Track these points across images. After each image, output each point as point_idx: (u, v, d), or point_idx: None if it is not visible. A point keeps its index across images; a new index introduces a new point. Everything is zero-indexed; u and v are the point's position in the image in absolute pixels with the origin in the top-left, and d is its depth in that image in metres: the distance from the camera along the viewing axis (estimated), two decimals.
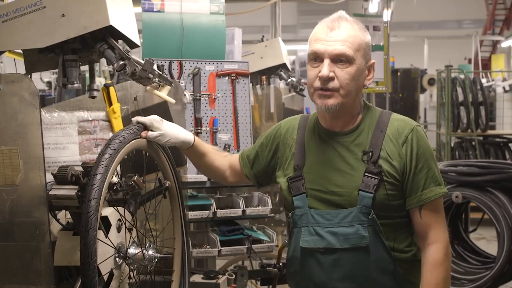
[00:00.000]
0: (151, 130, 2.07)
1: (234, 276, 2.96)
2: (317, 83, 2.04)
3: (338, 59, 2.02)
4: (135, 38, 2.03)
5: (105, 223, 1.85)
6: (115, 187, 1.88)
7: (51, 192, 1.79)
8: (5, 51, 2.11)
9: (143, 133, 2.03)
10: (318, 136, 2.18)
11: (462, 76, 8.87)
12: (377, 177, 2.02)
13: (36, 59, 2.06)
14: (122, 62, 1.91)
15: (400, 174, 2.05)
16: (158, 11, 3.52)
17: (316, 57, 2.05)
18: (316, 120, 2.21)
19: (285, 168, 2.23)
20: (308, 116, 2.27)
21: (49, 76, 11.04)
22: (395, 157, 2.05)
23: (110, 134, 2.22)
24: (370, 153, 2.05)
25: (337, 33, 2.03)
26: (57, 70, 1.96)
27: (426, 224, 2.08)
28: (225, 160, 2.41)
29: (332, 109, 2.05)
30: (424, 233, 2.09)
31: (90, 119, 2.21)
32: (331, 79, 2.02)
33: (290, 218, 2.17)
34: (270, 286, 3.08)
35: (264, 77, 5.04)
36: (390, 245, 2.05)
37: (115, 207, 1.91)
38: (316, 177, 2.12)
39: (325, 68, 2.01)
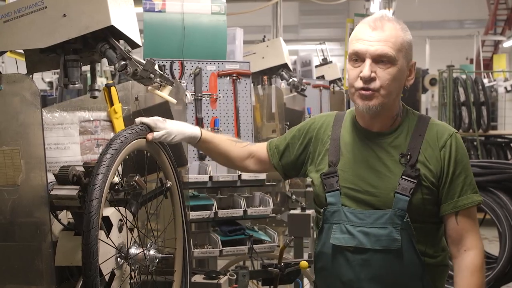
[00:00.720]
0: (155, 131, 2.07)
1: (235, 277, 2.96)
2: (358, 83, 2.02)
3: (380, 59, 1.99)
4: (137, 38, 2.03)
5: (107, 223, 1.84)
6: (116, 187, 1.88)
7: (52, 192, 1.79)
8: (6, 51, 2.11)
9: (149, 135, 2.03)
10: (354, 134, 2.16)
11: (463, 76, 8.88)
12: (414, 181, 2.01)
13: (37, 59, 2.06)
14: (123, 62, 1.91)
15: (436, 179, 2.04)
16: (160, 11, 3.52)
17: (357, 57, 2.03)
18: (353, 118, 2.19)
19: (317, 163, 2.22)
20: (344, 114, 2.26)
21: (51, 76, 11.07)
22: (432, 161, 2.05)
23: (112, 134, 2.22)
24: (408, 156, 2.04)
25: (379, 33, 2.00)
26: (58, 70, 1.95)
27: (462, 230, 2.06)
28: (243, 150, 2.38)
29: (373, 110, 2.03)
30: (459, 240, 2.07)
31: (91, 119, 2.21)
32: (372, 79, 1.99)
33: (321, 214, 2.16)
34: (272, 287, 3.08)
35: (265, 77, 5.05)
36: (421, 250, 2.04)
37: (117, 207, 1.91)
38: (350, 175, 2.11)
39: (367, 69, 1.99)
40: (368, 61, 1.99)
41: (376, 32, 2.00)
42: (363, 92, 2.02)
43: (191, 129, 2.23)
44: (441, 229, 2.14)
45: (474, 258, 2.06)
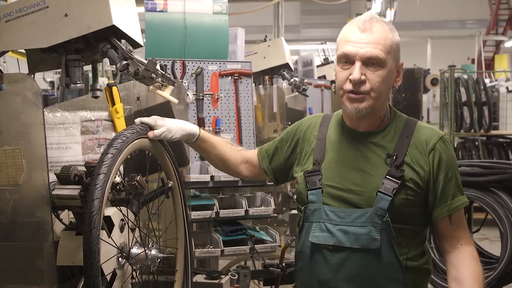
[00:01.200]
0: (155, 129, 2.07)
1: (237, 276, 2.96)
2: (348, 86, 2.01)
3: (370, 61, 1.98)
4: (138, 38, 2.03)
5: (108, 223, 1.84)
6: (118, 187, 1.88)
7: (54, 192, 1.79)
8: (8, 51, 2.11)
9: (150, 134, 2.03)
10: (341, 134, 2.16)
11: (465, 76, 8.86)
12: (398, 181, 2.00)
13: (39, 59, 2.06)
14: (125, 62, 1.91)
15: (423, 181, 2.04)
16: (161, 11, 3.53)
17: (346, 59, 2.01)
18: (340, 118, 2.19)
19: (303, 163, 2.21)
20: (331, 115, 2.26)
21: (52, 76, 11.06)
22: (419, 164, 2.04)
23: (113, 134, 2.22)
24: (394, 157, 2.04)
25: (369, 34, 1.99)
26: (60, 70, 1.95)
27: (456, 229, 2.08)
28: (238, 153, 2.39)
29: (363, 112, 2.02)
30: (453, 237, 2.09)
31: (93, 119, 2.21)
32: (362, 82, 1.99)
33: (302, 212, 2.15)
34: (273, 287, 3.08)
35: (267, 77, 5.05)
36: (403, 251, 2.03)
37: (118, 207, 1.91)
38: (334, 174, 2.10)
39: (357, 71, 1.98)
40: (358, 64, 1.98)
41: (365, 34, 1.99)
42: (352, 95, 2.01)
43: (190, 126, 2.24)
44: (423, 232, 2.14)
45: (472, 250, 2.10)
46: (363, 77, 1.98)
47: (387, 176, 2.02)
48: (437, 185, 2.05)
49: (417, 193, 2.04)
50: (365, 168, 2.07)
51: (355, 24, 2.03)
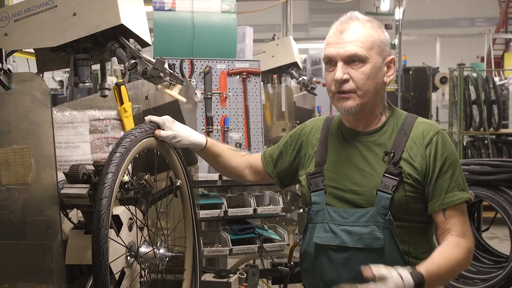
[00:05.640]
0: (163, 130, 2.07)
1: (245, 275, 2.96)
2: (334, 87, 2.05)
3: (351, 60, 2.02)
4: (146, 37, 2.03)
5: (117, 222, 1.85)
6: (126, 186, 1.88)
7: (62, 191, 1.79)
8: (17, 51, 2.12)
9: (156, 132, 2.04)
10: (340, 135, 2.18)
11: (474, 75, 8.84)
12: (396, 178, 2.00)
13: (47, 58, 2.06)
14: (133, 61, 1.91)
15: (422, 176, 2.03)
16: (169, 10, 3.53)
17: (330, 61, 2.06)
18: (340, 120, 2.21)
19: (307, 166, 2.23)
20: (333, 117, 2.28)
21: (61, 75, 11.09)
22: (417, 159, 2.03)
23: (122, 133, 2.23)
24: (392, 154, 2.04)
25: (347, 34, 2.03)
26: (68, 69, 1.96)
27: (450, 223, 2.01)
28: (242, 159, 2.41)
29: (352, 111, 2.05)
30: (446, 229, 2.02)
31: (101, 118, 2.21)
32: (345, 81, 2.02)
33: (306, 213, 2.17)
34: (281, 285, 3.07)
35: (275, 76, 5.03)
36: (405, 250, 2.02)
37: (127, 206, 1.92)
38: (335, 175, 2.11)
39: (339, 71, 2.01)
40: (339, 64, 2.03)
41: (344, 34, 2.04)
42: (339, 95, 2.05)
43: (197, 136, 2.25)
44: (429, 230, 2.12)
45: (461, 241, 1.99)
46: (345, 76, 2.02)
47: (385, 174, 2.03)
48: (432, 178, 2.03)
49: (417, 188, 2.03)
50: (365, 167, 2.08)
51: (335, 26, 2.09)
